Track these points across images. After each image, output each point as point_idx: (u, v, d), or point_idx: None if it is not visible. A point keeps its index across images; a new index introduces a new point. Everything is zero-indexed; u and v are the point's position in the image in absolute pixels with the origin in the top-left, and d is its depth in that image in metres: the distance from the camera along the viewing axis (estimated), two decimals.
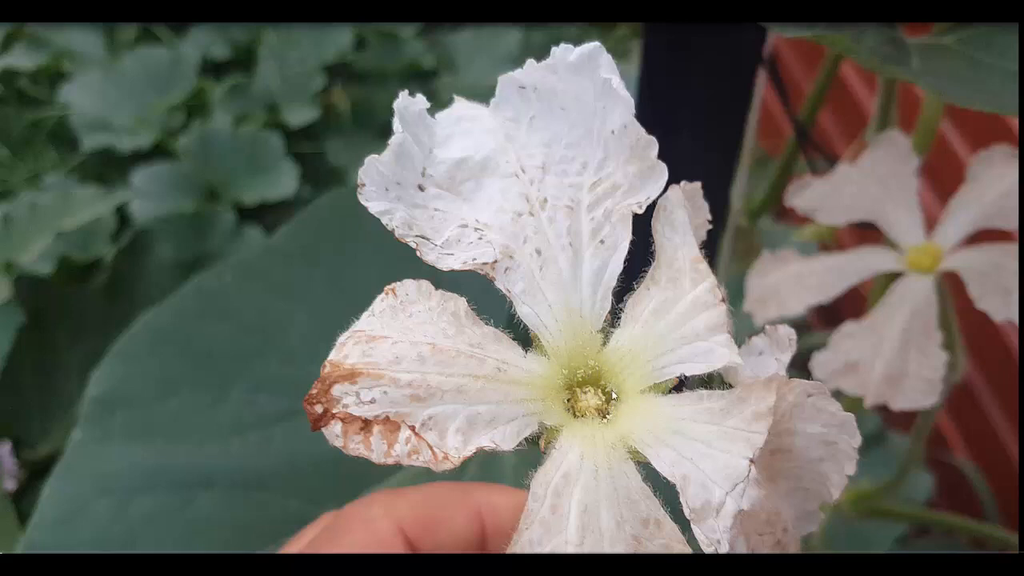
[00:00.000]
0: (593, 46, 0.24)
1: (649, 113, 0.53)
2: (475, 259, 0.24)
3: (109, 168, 1.29)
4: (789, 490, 0.24)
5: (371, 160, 0.24)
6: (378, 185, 0.24)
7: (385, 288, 0.23)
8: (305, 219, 0.65)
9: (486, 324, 0.23)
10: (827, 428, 0.23)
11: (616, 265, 0.24)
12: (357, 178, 0.24)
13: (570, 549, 0.20)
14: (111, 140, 1.26)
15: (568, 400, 0.24)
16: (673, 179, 0.24)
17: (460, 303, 0.23)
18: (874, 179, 0.51)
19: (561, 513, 0.21)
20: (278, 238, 0.64)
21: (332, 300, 0.59)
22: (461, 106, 0.26)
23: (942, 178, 0.71)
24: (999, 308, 0.45)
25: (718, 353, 0.23)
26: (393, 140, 0.24)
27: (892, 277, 0.49)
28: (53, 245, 1.03)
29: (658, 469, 0.21)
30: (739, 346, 0.23)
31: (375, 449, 0.20)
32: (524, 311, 0.24)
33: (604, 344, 0.24)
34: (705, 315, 0.23)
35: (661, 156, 0.24)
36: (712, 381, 0.23)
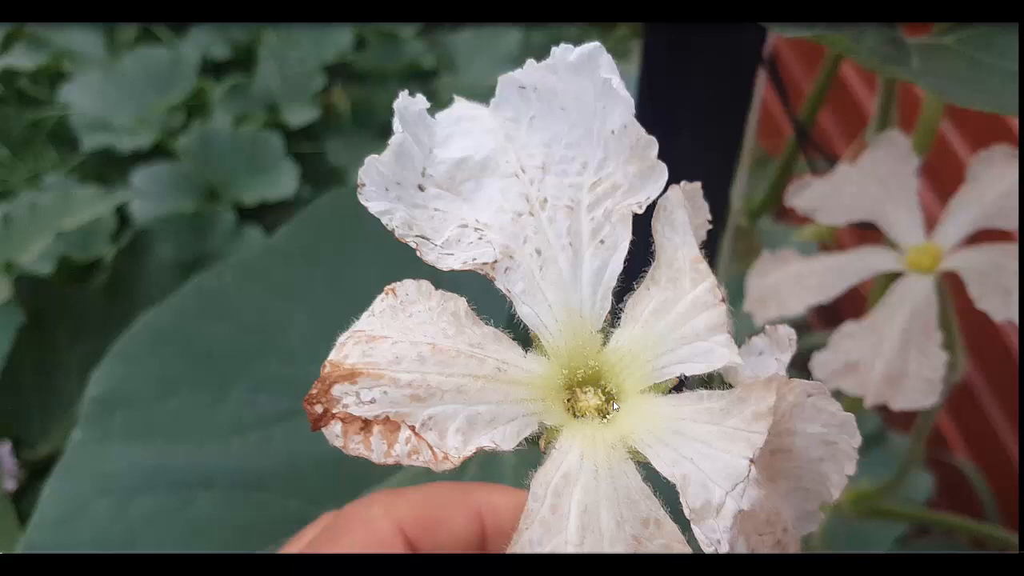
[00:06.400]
0: (593, 46, 0.24)
1: (649, 113, 0.53)
2: (475, 259, 0.24)
3: (109, 168, 1.29)
4: (789, 490, 0.24)
5: (371, 160, 0.24)
6: (378, 185, 0.24)
7: (385, 288, 0.23)
8: (305, 219, 0.65)
9: (486, 324, 0.23)
10: (827, 428, 0.23)
11: (616, 265, 0.24)
12: (357, 178, 0.24)
13: (570, 549, 0.20)
14: (111, 140, 1.26)
15: (568, 400, 0.24)
16: (673, 179, 0.24)
17: (460, 303, 0.23)
18: (874, 179, 0.51)
19: (561, 513, 0.21)
20: (278, 238, 0.64)
21: (332, 300, 0.59)
22: (461, 106, 0.26)
23: (942, 178, 0.71)
24: (999, 308, 0.45)
25: (718, 353, 0.23)
26: (393, 140, 0.24)
27: (892, 277, 0.49)
28: (53, 245, 1.03)
29: (658, 469, 0.21)
30: (739, 346, 0.23)
31: (375, 449, 0.20)
32: (524, 311, 0.24)
33: (604, 344, 0.24)
34: (705, 315, 0.23)
35: (661, 156, 0.24)
36: (712, 381, 0.23)
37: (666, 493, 0.21)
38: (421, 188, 0.24)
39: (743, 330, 0.25)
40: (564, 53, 0.25)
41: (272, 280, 0.61)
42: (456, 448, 0.21)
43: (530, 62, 0.25)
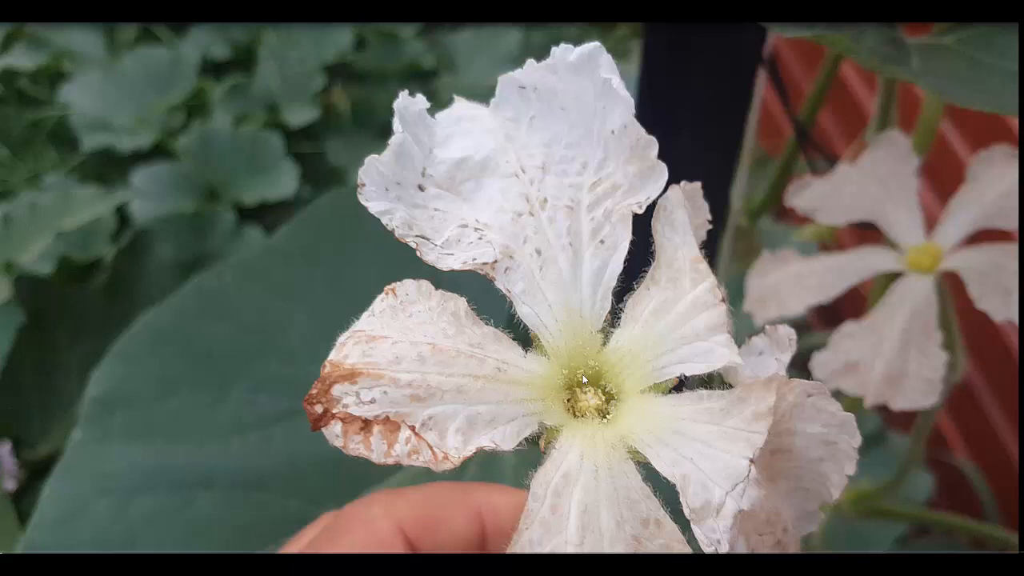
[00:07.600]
0: (593, 46, 0.24)
1: (649, 113, 0.53)
2: (475, 259, 0.24)
3: (109, 168, 1.29)
4: (789, 490, 0.24)
5: (371, 160, 0.24)
6: (378, 185, 0.24)
7: (385, 288, 0.23)
8: (305, 219, 0.65)
9: (486, 324, 0.23)
10: (827, 428, 0.23)
11: (616, 265, 0.24)
12: (357, 178, 0.24)
13: (570, 549, 0.20)
14: (111, 140, 1.26)
15: (568, 400, 0.24)
16: (673, 179, 0.24)
17: (460, 303, 0.23)
18: (874, 179, 0.51)
19: (561, 513, 0.21)
20: (278, 238, 0.64)
21: (332, 300, 0.59)
22: (461, 106, 0.26)
23: (942, 178, 0.71)
24: (999, 308, 0.45)
25: (718, 353, 0.23)
26: (393, 140, 0.24)
27: (892, 277, 0.49)
28: (53, 245, 1.03)
29: (658, 469, 0.21)
30: (739, 346, 0.23)
31: (375, 449, 0.20)
32: (524, 311, 0.24)
33: (604, 344, 0.24)
34: (705, 315, 0.23)
35: (661, 156, 0.24)
36: (712, 381, 0.23)
37: (666, 493, 0.21)
38: (421, 188, 0.24)
39: (743, 330, 0.25)
40: (564, 53, 0.25)
41: (272, 280, 0.61)
42: (456, 448, 0.21)
43: (530, 62, 0.25)
